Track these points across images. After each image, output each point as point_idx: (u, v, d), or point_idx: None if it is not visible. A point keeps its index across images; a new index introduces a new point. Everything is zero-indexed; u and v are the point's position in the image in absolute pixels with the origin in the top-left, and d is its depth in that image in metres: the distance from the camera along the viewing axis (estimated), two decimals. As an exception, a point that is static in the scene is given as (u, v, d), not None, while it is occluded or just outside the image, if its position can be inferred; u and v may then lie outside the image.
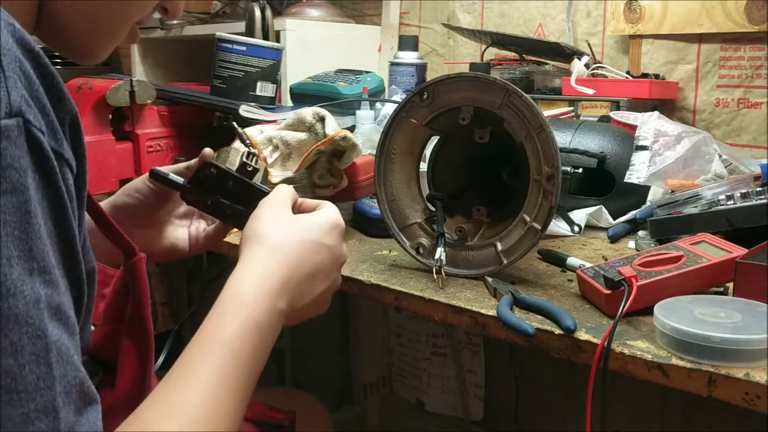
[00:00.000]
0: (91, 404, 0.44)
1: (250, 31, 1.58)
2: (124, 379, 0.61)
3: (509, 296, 0.75)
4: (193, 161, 0.82)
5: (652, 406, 1.41)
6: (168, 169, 0.83)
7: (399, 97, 1.46)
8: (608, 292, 0.70)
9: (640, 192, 1.09)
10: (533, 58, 1.58)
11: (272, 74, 1.39)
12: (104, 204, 0.81)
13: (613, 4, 1.46)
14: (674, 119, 1.29)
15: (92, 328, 0.62)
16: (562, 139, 1.10)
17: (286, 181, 1.01)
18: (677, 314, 0.63)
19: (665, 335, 0.62)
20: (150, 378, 0.61)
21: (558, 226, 1.04)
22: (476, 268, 0.85)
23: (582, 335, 0.66)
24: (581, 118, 1.34)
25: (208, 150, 0.81)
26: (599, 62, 1.45)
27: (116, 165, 1.21)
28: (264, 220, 0.65)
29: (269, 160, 1.04)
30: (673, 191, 1.03)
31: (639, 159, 1.06)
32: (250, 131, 1.06)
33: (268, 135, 1.06)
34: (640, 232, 0.99)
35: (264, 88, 1.38)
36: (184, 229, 0.86)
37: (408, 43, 1.61)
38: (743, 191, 0.89)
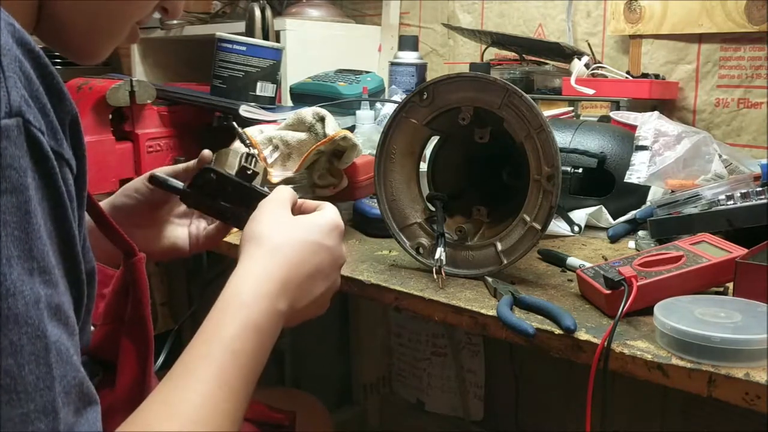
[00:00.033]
0: (90, 405, 0.44)
1: (250, 31, 1.58)
2: (124, 379, 0.61)
3: (509, 296, 0.75)
4: (192, 162, 0.82)
5: (652, 406, 1.41)
6: (167, 170, 0.83)
7: (399, 97, 1.46)
8: (608, 292, 0.70)
9: (640, 192, 1.09)
10: (533, 58, 1.58)
11: (272, 74, 1.39)
12: (103, 204, 0.81)
13: (613, 4, 1.46)
14: (674, 119, 1.29)
15: (92, 328, 0.62)
16: (562, 139, 1.10)
17: (286, 181, 1.01)
18: (677, 314, 0.63)
19: (665, 335, 0.62)
20: (150, 378, 0.61)
21: (558, 226, 1.04)
22: (476, 268, 0.85)
23: (582, 335, 0.66)
24: (581, 118, 1.34)
25: (206, 152, 0.81)
26: (599, 62, 1.45)
27: (116, 165, 1.21)
28: (263, 221, 0.65)
29: (269, 160, 1.04)
30: (673, 191, 1.03)
31: (639, 159, 1.06)
32: (250, 131, 1.06)
33: (268, 135, 1.06)
34: (640, 232, 0.99)
35: (264, 88, 1.38)
36: (184, 229, 0.86)
37: (408, 43, 1.61)
38: (743, 191, 0.89)
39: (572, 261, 0.87)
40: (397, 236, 0.89)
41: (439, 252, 0.82)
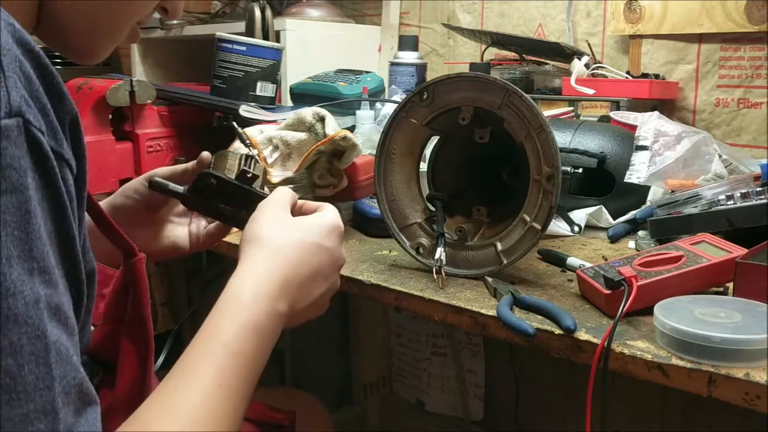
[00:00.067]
0: (90, 405, 0.44)
1: (250, 31, 1.58)
2: (124, 379, 0.61)
3: (509, 296, 0.75)
4: (192, 163, 0.82)
5: (652, 406, 1.41)
6: (166, 171, 0.83)
7: (399, 97, 1.46)
8: (608, 292, 0.70)
9: (640, 192, 1.09)
10: (533, 58, 1.58)
11: (272, 74, 1.39)
12: (103, 204, 0.81)
13: (613, 4, 1.46)
14: (674, 119, 1.29)
15: (92, 328, 0.62)
16: (562, 139, 1.10)
17: (286, 181, 1.01)
18: (677, 314, 0.63)
19: (665, 335, 0.62)
20: (150, 378, 0.61)
21: (558, 226, 1.04)
22: (476, 268, 0.85)
23: (582, 335, 0.66)
24: (581, 118, 1.34)
25: (206, 154, 0.81)
26: (599, 62, 1.45)
27: (116, 165, 1.21)
28: (263, 222, 0.65)
29: (269, 160, 1.04)
30: (673, 191, 1.03)
31: (639, 159, 1.06)
32: (250, 131, 1.06)
33: (268, 135, 1.06)
34: (640, 232, 0.99)
35: (264, 88, 1.38)
36: (184, 228, 0.86)
37: (408, 43, 1.61)
38: (743, 191, 0.89)
39: (572, 261, 0.87)
40: (397, 236, 0.89)
41: (439, 252, 0.82)
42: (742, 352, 0.58)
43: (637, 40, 1.45)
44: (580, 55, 1.41)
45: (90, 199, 0.56)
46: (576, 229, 1.04)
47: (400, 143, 0.89)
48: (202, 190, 0.76)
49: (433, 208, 0.90)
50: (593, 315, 0.72)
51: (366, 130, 1.30)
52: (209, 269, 1.40)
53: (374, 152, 0.90)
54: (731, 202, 0.89)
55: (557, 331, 0.68)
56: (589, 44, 1.49)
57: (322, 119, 1.04)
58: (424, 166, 0.96)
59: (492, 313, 0.73)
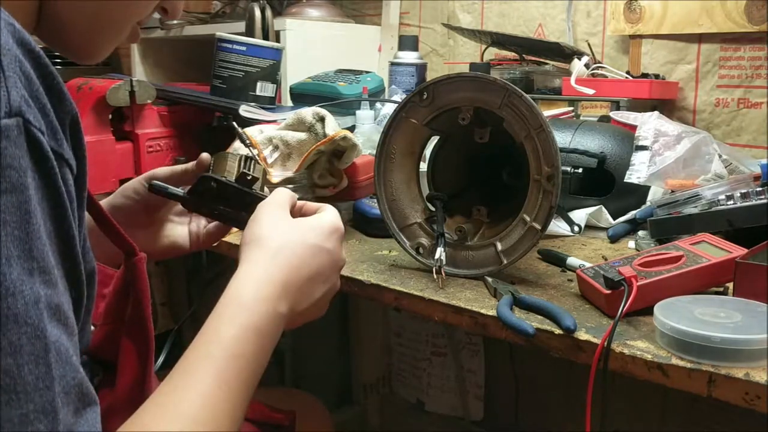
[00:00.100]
0: (90, 405, 0.44)
1: (250, 31, 1.58)
2: (124, 379, 0.61)
3: (509, 296, 0.75)
4: (192, 164, 0.82)
5: (652, 406, 1.41)
6: (165, 171, 0.83)
7: (399, 97, 1.46)
8: (608, 292, 0.70)
9: (640, 192, 1.09)
10: (533, 58, 1.58)
11: (272, 74, 1.39)
12: (102, 204, 0.81)
13: (613, 4, 1.46)
14: (674, 119, 1.29)
15: (92, 328, 0.62)
16: (562, 139, 1.10)
17: (286, 181, 1.01)
18: (677, 314, 0.63)
19: (665, 335, 0.62)
20: (150, 378, 0.61)
21: (558, 226, 1.04)
22: (476, 268, 0.85)
23: (582, 335, 0.66)
24: (581, 118, 1.34)
25: (205, 156, 0.81)
26: (599, 62, 1.45)
27: (116, 165, 1.21)
28: (263, 223, 0.65)
29: (269, 160, 1.04)
30: (673, 191, 1.03)
31: (639, 159, 1.06)
32: (250, 131, 1.06)
33: (268, 135, 1.06)
34: (640, 232, 0.99)
35: (264, 88, 1.38)
36: (184, 227, 0.86)
37: (408, 43, 1.61)
38: (743, 191, 0.89)
39: (572, 261, 0.87)
40: (397, 236, 0.89)
41: (439, 252, 0.82)
42: (742, 352, 0.58)
43: (637, 40, 1.45)
44: (580, 55, 1.41)
45: (90, 199, 0.56)
46: (576, 229, 1.04)
47: (400, 143, 0.89)
48: (202, 193, 0.76)
49: (433, 208, 0.90)
50: (593, 315, 0.72)
51: (366, 130, 1.30)
52: (209, 269, 1.41)
53: (374, 152, 0.90)
54: (731, 202, 0.89)
55: (557, 331, 0.68)
56: (589, 44, 1.49)
57: (322, 119, 1.04)
58: (424, 166, 0.96)
59: (492, 313, 0.73)
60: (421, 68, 1.59)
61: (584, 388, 0.61)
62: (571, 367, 1.07)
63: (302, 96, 1.49)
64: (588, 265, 0.82)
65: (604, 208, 1.07)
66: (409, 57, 1.58)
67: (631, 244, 0.98)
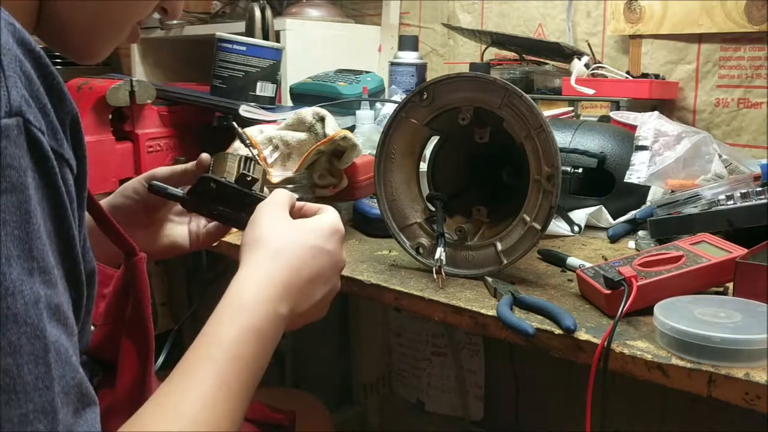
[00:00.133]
0: (89, 405, 0.44)
1: (250, 31, 1.58)
2: (124, 379, 0.61)
3: (509, 296, 0.75)
4: (191, 164, 0.82)
5: (652, 406, 1.41)
6: (165, 171, 0.83)
7: (399, 97, 1.46)
8: (608, 292, 0.70)
9: (640, 192, 1.09)
10: (533, 58, 1.58)
11: (272, 74, 1.39)
12: (102, 204, 0.81)
13: (613, 4, 1.46)
14: (674, 119, 1.29)
15: (92, 328, 0.62)
16: (562, 139, 1.10)
17: (286, 181, 1.01)
18: (677, 314, 0.63)
19: (665, 335, 0.62)
20: (150, 378, 0.61)
21: (558, 226, 1.04)
22: (476, 268, 0.85)
23: (582, 335, 0.66)
24: (581, 118, 1.34)
25: (205, 156, 0.81)
26: (599, 62, 1.45)
27: (116, 165, 1.21)
28: (263, 224, 0.65)
29: (269, 160, 1.04)
30: (673, 191, 1.03)
31: (639, 159, 1.06)
32: (250, 131, 1.06)
33: (268, 135, 1.06)
34: (640, 232, 0.99)
35: (264, 88, 1.38)
36: (183, 227, 0.86)
37: (408, 43, 1.61)
38: (743, 191, 0.89)
39: (572, 261, 0.87)
40: (397, 236, 0.89)
41: (439, 252, 0.82)
42: (742, 352, 0.58)
43: (637, 40, 1.45)
44: (580, 55, 1.41)
45: (91, 199, 0.56)
46: (576, 229, 1.04)
47: (400, 143, 0.89)
48: (202, 194, 0.76)
49: (433, 208, 0.90)
50: (593, 315, 0.72)
51: (366, 130, 1.30)
52: (209, 269, 1.41)
53: (374, 152, 0.90)
54: (731, 202, 0.89)
55: (557, 331, 0.68)
56: (589, 44, 1.49)
57: (322, 119, 1.04)
58: (424, 166, 0.96)
59: (492, 313, 0.73)
60: (421, 68, 1.59)
61: (584, 388, 0.61)
62: (571, 367, 1.07)
63: (302, 96, 1.49)
64: (588, 265, 0.82)
65: (604, 208, 1.07)
66: (409, 57, 1.58)
67: (631, 244, 0.98)
